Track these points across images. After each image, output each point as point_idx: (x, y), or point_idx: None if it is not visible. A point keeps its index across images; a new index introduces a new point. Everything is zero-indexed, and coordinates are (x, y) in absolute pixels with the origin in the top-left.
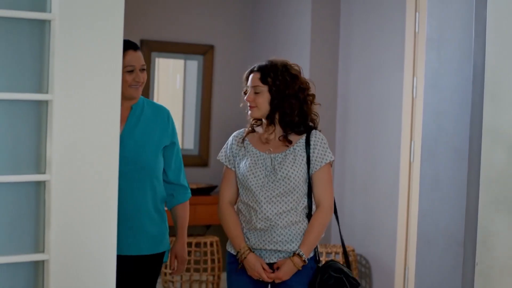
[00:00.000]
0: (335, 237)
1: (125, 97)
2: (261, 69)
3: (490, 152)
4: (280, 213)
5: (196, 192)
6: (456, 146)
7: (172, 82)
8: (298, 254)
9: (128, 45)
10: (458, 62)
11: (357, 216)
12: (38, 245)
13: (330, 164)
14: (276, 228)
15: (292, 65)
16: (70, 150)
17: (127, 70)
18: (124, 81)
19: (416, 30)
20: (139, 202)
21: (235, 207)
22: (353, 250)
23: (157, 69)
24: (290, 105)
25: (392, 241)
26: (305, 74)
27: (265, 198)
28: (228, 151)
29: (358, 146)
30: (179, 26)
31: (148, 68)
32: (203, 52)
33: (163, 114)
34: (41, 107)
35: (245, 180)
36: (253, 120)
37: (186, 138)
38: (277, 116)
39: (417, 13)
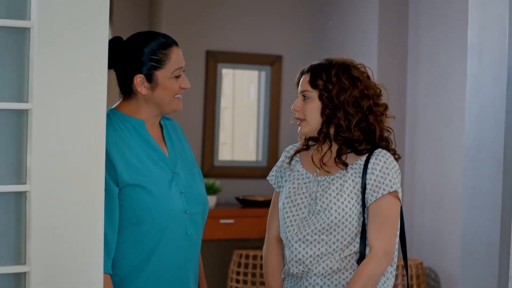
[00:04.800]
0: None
1: (164, 112)
2: (312, 69)
3: None
4: (318, 255)
5: (265, 204)
6: (496, 154)
7: (247, 94)
8: None
9: (171, 41)
10: (497, 68)
11: (426, 228)
12: (20, 257)
13: (396, 196)
14: (310, 276)
15: (357, 65)
16: (51, 160)
17: (176, 75)
18: (169, 91)
19: None
20: (198, 257)
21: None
22: (421, 263)
23: (227, 80)
24: (346, 115)
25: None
26: None
27: (297, 235)
28: (277, 171)
29: (427, 157)
30: (245, 37)
31: (214, 79)
32: (271, 62)
33: (179, 129)
34: (22, 117)
35: (281, 208)
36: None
37: (259, 150)
38: (332, 132)
39: None
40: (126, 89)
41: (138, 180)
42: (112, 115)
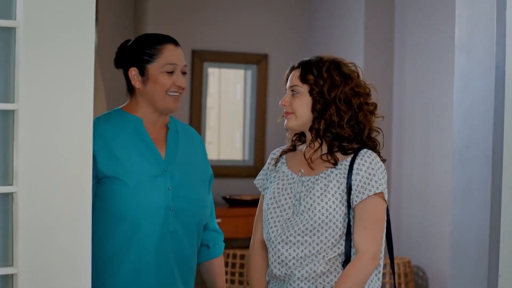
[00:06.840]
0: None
1: (159, 110)
2: (302, 65)
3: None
4: (301, 257)
5: (252, 203)
6: (485, 152)
7: (233, 93)
8: None
9: (166, 39)
10: (485, 65)
11: (414, 226)
12: (7, 258)
13: (382, 197)
14: (294, 280)
15: (347, 63)
16: (38, 161)
17: (166, 70)
18: (159, 86)
19: None
20: (190, 257)
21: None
22: (409, 262)
23: (213, 79)
24: (339, 111)
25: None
26: None
27: (280, 236)
28: (263, 174)
29: (414, 155)
30: (231, 36)
31: (200, 78)
32: (257, 61)
33: (197, 138)
34: (8, 117)
35: (265, 209)
36: (294, 135)
37: (246, 149)
38: (322, 127)
39: None
40: (128, 87)
41: (115, 172)
42: (114, 113)
